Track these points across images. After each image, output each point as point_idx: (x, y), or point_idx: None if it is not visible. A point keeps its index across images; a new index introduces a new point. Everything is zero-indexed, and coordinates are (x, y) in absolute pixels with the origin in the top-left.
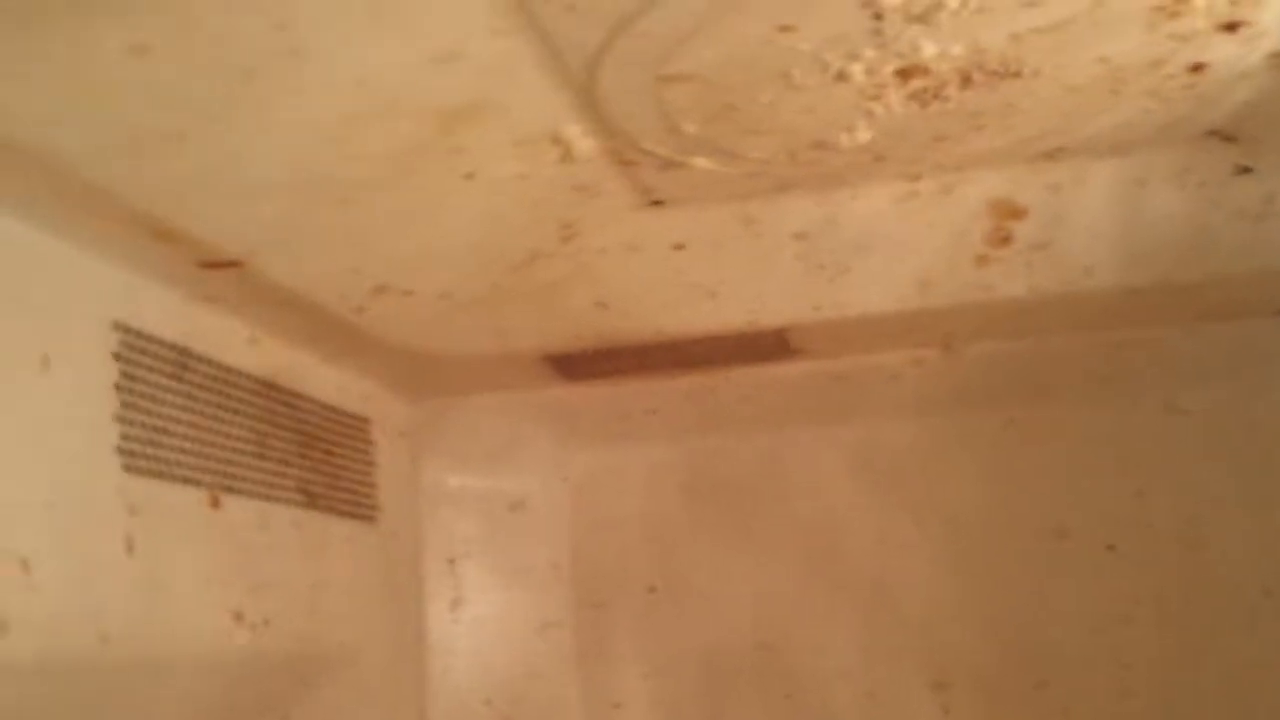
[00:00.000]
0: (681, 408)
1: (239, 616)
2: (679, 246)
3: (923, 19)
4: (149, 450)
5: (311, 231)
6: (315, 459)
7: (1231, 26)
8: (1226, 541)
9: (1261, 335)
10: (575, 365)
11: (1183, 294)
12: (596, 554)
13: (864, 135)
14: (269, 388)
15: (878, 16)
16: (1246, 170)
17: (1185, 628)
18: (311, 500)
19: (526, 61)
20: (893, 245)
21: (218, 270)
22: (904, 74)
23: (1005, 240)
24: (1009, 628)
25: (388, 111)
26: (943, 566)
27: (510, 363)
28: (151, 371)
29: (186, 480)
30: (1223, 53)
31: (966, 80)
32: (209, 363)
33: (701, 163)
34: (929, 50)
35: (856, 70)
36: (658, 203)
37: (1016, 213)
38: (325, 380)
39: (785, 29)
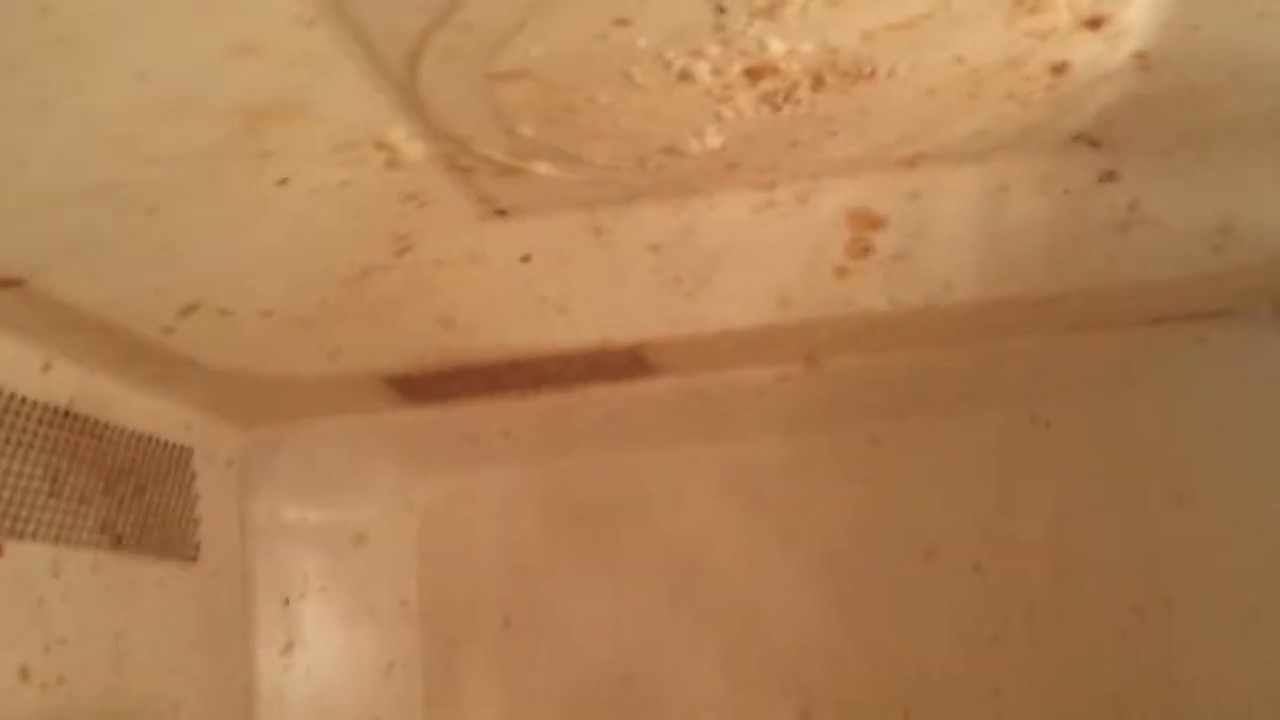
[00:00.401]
0: (535, 429)
1: (25, 674)
2: (525, 258)
3: (768, 13)
4: None
5: (105, 245)
6: (123, 495)
7: (1094, 23)
8: (1095, 558)
9: (1129, 346)
10: (417, 387)
11: (1048, 306)
12: (447, 587)
13: (714, 140)
14: (66, 418)
15: (720, 10)
16: (1111, 177)
17: (1055, 648)
18: (118, 541)
19: (339, 55)
20: (751, 257)
21: None
22: (752, 74)
23: (865, 251)
24: (877, 651)
25: (179, 109)
26: (810, 589)
27: (346, 385)
28: None
29: None
30: (1085, 52)
31: (818, 81)
32: None
33: (542, 168)
34: (777, 48)
35: (702, 70)
36: (500, 212)
37: (875, 222)
38: (136, 407)
39: (621, 22)
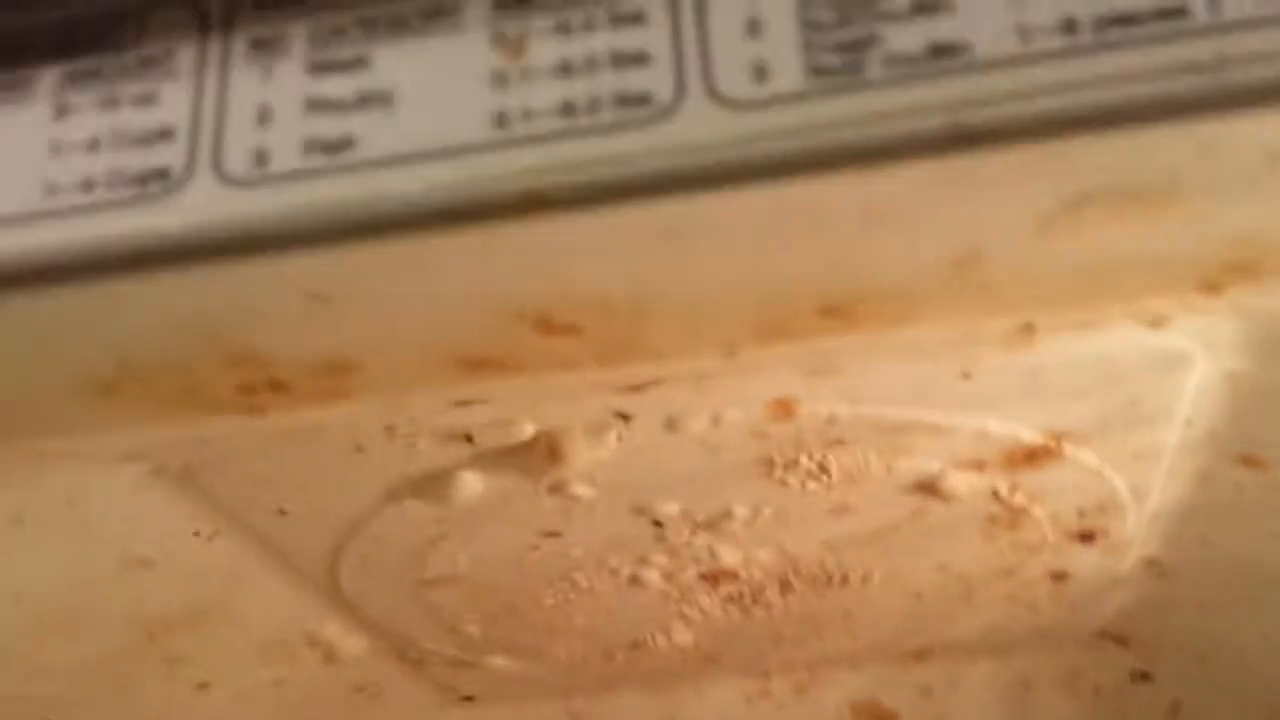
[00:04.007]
0: None
1: None
2: None
3: (711, 527)
4: None
5: None
6: None
7: (1086, 537)
8: None
9: None
10: None
11: None
12: None
13: (684, 637)
14: None
15: (657, 524)
16: (1145, 677)
17: None
18: None
19: (249, 563)
20: None
21: None
22: (709, 579)
23: None
24: None
25: (69, 625)
26: None
27: None
28: None
29: None
30: (1085, 562)
31: (785, 586)
32: None
33: (499, 662)
34: (730, 557)
35: (652, 576)
36: (467, 698)
37: (884, 717)
38: None
39: (550, 534)
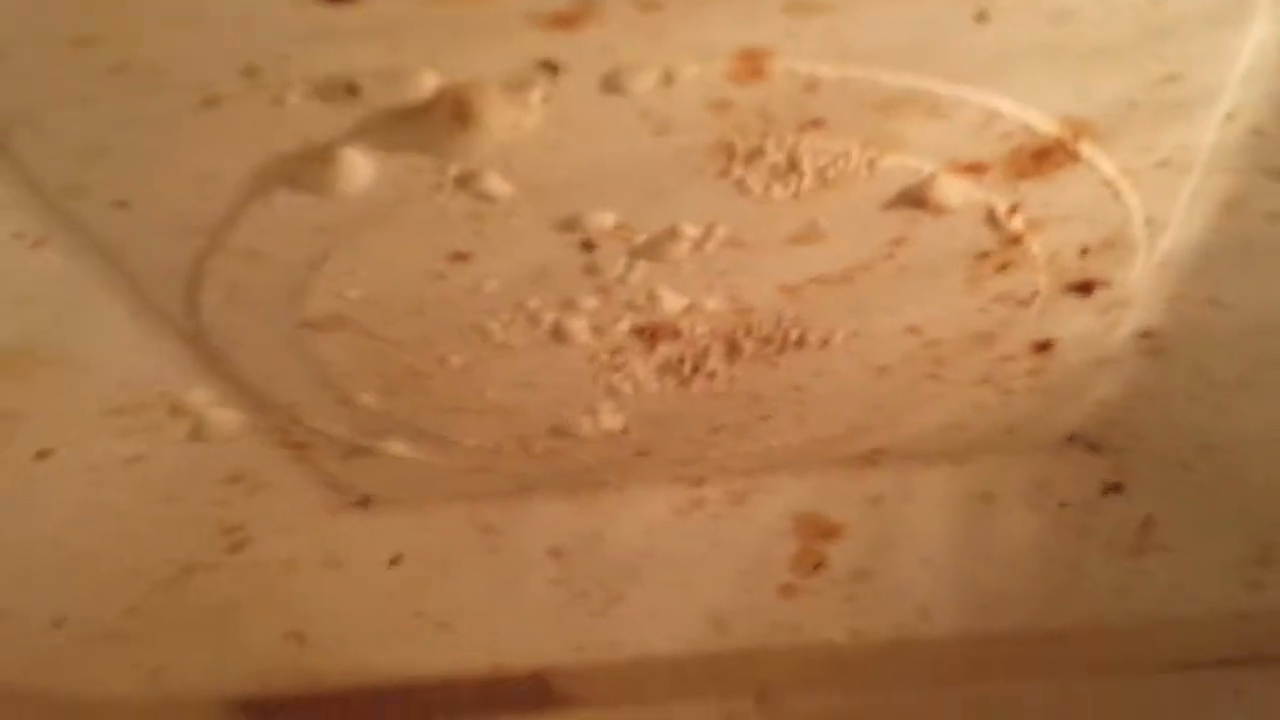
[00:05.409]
0: None
1: None
2: (395, 561)
3: (652, 253)
4: None
5: None
6: None
7: (1084, 288)
8: None
9: (1149, 696)
10: (268, 714)
11: (1048, 644)
12: None
13: (613, 420)
14: None
15: (588, 246)
16: (1117, 489)
17: None
18: None
19: (90, 286)
20: (674, 569)
21: None
22: (645, 334)
23: (817, 566)
24: None
25: None
26: None
27: (179, 710)
28: None
29: None
30: (1074, 326)
31: (733, 348)
32: None
33: (398, 448)
34: (673, 301)
35: (579, 326)
36: (362, 502)
37: (828, 531)
38: None
39: (459, 257)
